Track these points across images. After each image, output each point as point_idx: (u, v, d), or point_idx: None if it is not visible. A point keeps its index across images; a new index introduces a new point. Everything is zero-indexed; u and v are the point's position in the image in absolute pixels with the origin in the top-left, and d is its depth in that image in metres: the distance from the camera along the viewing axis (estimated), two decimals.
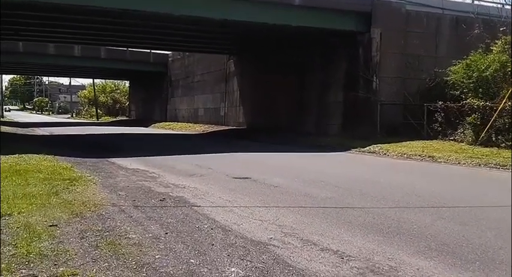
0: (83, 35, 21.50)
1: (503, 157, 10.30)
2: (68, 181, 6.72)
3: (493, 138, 12.23)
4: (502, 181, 8.35)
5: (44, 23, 18.13)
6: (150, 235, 4.12)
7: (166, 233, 4.19)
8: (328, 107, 18.15)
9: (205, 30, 18.60)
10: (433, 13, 17.16)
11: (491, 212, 5.41)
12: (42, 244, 3.72)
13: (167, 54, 34.53)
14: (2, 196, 5.12)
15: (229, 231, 4.29)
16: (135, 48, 30.59)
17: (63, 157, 9.89)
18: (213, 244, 3.86)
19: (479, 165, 9.93)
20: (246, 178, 7.63)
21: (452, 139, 13.53)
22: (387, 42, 16.14)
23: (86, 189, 6.28)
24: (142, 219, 4.72)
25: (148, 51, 32.78)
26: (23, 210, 4.78)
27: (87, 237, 4.01)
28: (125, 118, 45.86)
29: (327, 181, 7.41)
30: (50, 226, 4.29)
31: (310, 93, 19.17)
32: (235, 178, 7.67)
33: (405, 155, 11.80)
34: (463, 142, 13.01)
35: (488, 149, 11.52)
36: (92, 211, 4.98)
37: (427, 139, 13.77)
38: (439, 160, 10.75)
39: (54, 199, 5.43)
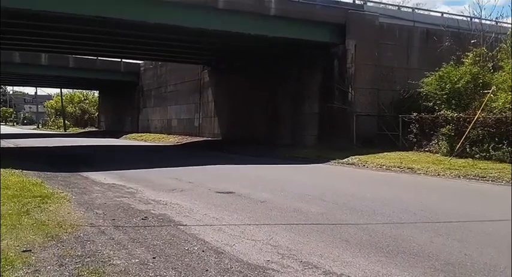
0: (51, 43, 20.69)
1: (480, 168, 10.44)
2: (39, 198, 6.27)
3: (467, 150, 12.41)
4: (484, 193, 8.40)
5: (8, 30, 17.30)
6: (137, 260, 3.79)
7: (154, 257, 3.86)
8: (304, 119, 18.10)
9: (181, 39, 18.26)
10: (404, 25, 17.45)
11: (486, 227, 5.33)
12: (16, 274, 3.35)
13: (139, 63, 33.88)
14: None
15: (222, 253, 4.01)
16: (106, 57, 29.79)
17: (31, 172, 9.32)
18: (207, 270, 3.57)
19: (459, 176, 10.00)
20: (229, 192, 7.35)
21: (427, 151, 13.68)
22: (361, 53, 16.26)
23: (60, 207, 5.85)
24: (125, 242, 4.37)
25: (119, 60, 32.04)
26: None
27: (66, 264, 3.64)
28: (94, 129, 44.62)
29: (313, 195, 7.22)
30: (24, 251, 3.90)
31: (286, 104, 19.09)
32: (219, 192, 7.38)
33: (384, 167, 11.79)
34: (438, 153, 13.17)
35: (463, 160, 11.69)
36: (69, 233, 4.59)
37: (403, 151, 13.87)
38: (419, 171, 10.78)
39: (26, 220, 5.01)
